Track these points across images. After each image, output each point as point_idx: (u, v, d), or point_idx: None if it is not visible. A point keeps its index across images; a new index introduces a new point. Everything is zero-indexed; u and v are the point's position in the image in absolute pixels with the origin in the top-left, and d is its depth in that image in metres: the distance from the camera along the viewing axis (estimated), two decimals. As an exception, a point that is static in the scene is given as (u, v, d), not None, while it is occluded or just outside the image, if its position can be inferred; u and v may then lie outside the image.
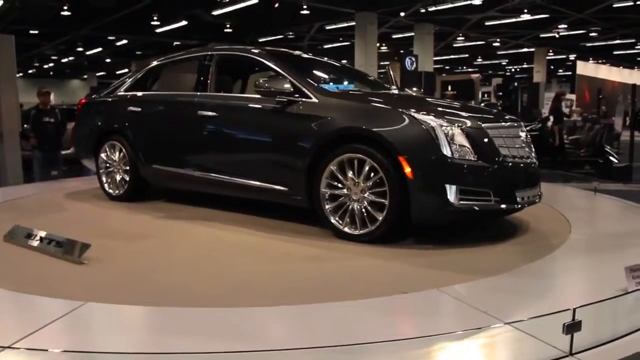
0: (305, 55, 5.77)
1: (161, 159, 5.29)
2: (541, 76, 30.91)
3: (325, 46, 31.35)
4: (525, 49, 31.79)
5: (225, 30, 25.75)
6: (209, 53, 5.08)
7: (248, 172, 4.63)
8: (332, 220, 4.08)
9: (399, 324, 2.76)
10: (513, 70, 42.62)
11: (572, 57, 33.26)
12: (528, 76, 36.01)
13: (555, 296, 3.06)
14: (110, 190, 5.63)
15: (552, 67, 38.51)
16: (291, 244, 4.02)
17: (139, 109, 5.55)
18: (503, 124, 4.14)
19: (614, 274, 2.94)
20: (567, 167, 8.69)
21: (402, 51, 24.57)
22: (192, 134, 5.00)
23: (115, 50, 31.45)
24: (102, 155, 5.66)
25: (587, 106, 22.17)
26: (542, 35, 27.27)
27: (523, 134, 4.22)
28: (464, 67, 41.11)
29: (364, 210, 3.93)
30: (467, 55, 35.47)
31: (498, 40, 29.21)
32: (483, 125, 3.89)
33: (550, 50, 31.97)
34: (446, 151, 3.67)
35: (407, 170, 3.69)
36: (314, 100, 4.21)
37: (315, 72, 5.32)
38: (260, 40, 29.37)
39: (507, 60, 38.82)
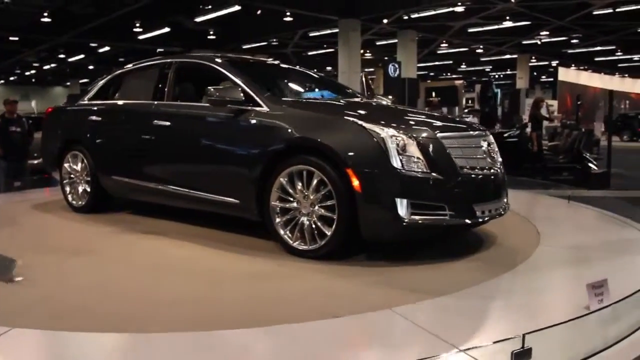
0: (272, 64, 5.66)
1: (119, 170, 5.16)
2: (524, 82, 31.14)
3: (310, 53, 31.37)
4: (509, 56, 32.04)
5: (209, 37, 25.66)
6: (169, 61, 4.96)
7: (200, 184, 4.47)
8: (282, 235, 3.86)
9: (335, 351, 2.44)
10: (497, 76, 42.92)
11: (554, 63, 33.58)
12: (510, 82, 36.29)
13: (511, 318, 2.81)
14: (73, 202, 5.49)
15: (535, 73, 38.84)
16: (238, 261, 3.79)
17: (99, 118, 5.44)
18: (463, 133, 3.93)
19: (578, 292, 2.79)
20: (545, 174, 8.66)
21: (386, 58, 24.63)
22: (148, 144, 4.85)
23: (98, 57, 31.18)
24: (65, 165, 5.52)
25: (569, 112, 22.36)
26: (524, 42, 27.51)
27: (485, 144, 3.97)
28: (449, 74, 41.34)
29: (313, 225, 3.72)
30: (451, 62, 35.69)
31: (481, 47, 29.43)
32: (438, 135, 3.67)
33: (533, 57, 32.25)
34: (396, 163, 3.45)
35: (355, 183, 3.48)
36: (265, 109, 4.03)
37: (280, 80, 5.16)
38: (244, 47, 29.30)
39: (490, 67, 39.11)
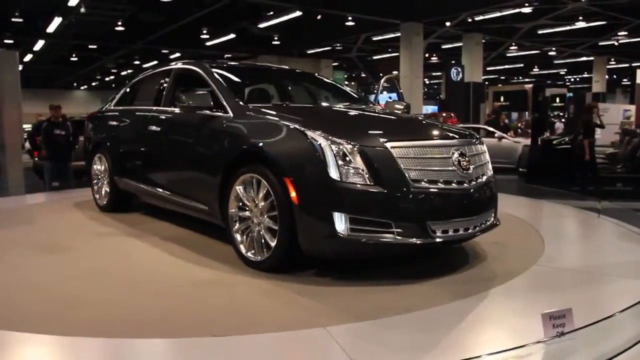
0: (266, 69, 5.42)
1: (128, 172, 5.34)
2: (601, 86, 29.51)
3: (375, 57, 31.19)
4: (585, 58, 30.47)
5: (273, 42, 26.11)
6: (168, 68, 5.12)
7: (178, 188, 4.53)
8: (237, 243, 3.75)
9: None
10: (572, 80, 40.92)
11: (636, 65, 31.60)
12: (588, 86, 34.45)
13: (447, 348, 2.52)
14: (98, 201, 5.77)
15: (614, 76, 36.73)
16: (194, 267, 3.71)
17: (113, 123, 5.72)
18: (421, 142, 3.46)
19: (537, 324, 2.47)
20: (598, 185, 8.07)
21: (453, 62, 24.08)
22: (146, 148, 5.05)
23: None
24: (94, 167, 5.83)
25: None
26: (600, 43, 26.05)
27: (456, 154, 3.48)
28: (520, 77, 39.85)
29: (262, 235, 3.58)
30: (522, 65, 34.39)
31: (554, 49, 28.14)
32: (388, 145, 3.29)
33: (612, 59, 30.48)
34: (334, 173, 3.17)
35: (293, 194, 3.28)
36: (230, 115, 3.96)
37: (268, 86, 5.06)
38: (308, 52, 29.61)
39: (565, 70, 37.35)
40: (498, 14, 19.87)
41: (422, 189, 3.28)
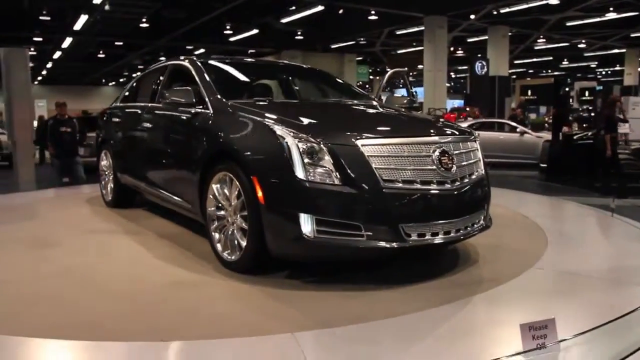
0: (264, 65, 5.27)
1: (127, 168, 5.36)
2: (633, 79, 28.64)
3: (399, 51, 30.89)
4: (616, 50, 29.61)
5: (297, 37, 26.05)
6: (164, 64, 5.07)
7: (167, 185, 4.50)
8: (214, 243, 3.64)
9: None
10: (603, 72, 39.85)
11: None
12: (620, 79, 33.49)
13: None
14: (105, 197, 5.80)
15: (649, 68, 35.61)
16: (169, 268, 3.60)
17: (117, 120, 5.75)
18: (396, 140, 3.24)
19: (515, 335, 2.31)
20: (621, 181, 7.76)
21: (479, 55, 23.65)
22: (140, 144, 5.05)
23: (195, 59, 32.74)
24: (101, 162, 5.87)
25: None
26: (632, 35, 25.27)
27: (437, 153, 3.26)
28: (549, 71, 38.98)
29: (235, 235, 3.46)
30: (550, 58, 33.62)
31: (583, 41, 27.41)
32: (359, 142, 3.10)
33: (645, 51, 29.56)
34: (300, 173, 3.02)
35: (259, 193, 3.15)
36: (209, 111, 3.86)
37: (264, 81, 4.92)
38: (332, 46, 29.48)
39: (596, 63, 36.38)
40: (525, 6, 19.41)
41: (395, 190, 3.08)
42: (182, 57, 4.65)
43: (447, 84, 50.82)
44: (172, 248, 4.08)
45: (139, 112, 5.07)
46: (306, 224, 3.00)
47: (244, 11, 20.55)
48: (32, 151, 8.28)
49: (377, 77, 41.12)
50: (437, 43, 20.84)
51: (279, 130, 3.18)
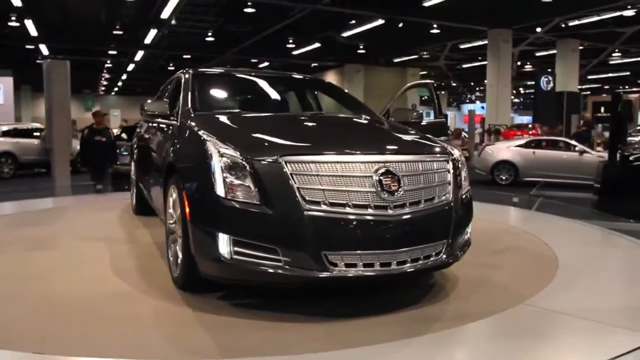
0: (263, 77, 4.89)
1: (139, 178, 5.42)
2: None
3: (464, 65, 30.28)
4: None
5: (359, 51, 26.09)
6: (174, 76, 4.97)
7: (151, 196, 4.55)
8: (167, 256, 3.45)
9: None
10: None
11: None
12: None
13: None
14: (133, 204, 5.90)
15: None
16: (110, 283, 3.41)
17: (138, 131, 5.88)
18: (335, 157, 2.87)
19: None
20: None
21: (549, 70, 22.79)
22: (143, 155, 5.10)
23: (260, 72, 33.44)
24: (132, 171, 6.00)
25: None
26: None
27: (377, 174, 2.85)
28: (626, 87, 36.93)
29: (178, 250, 3.24)
30: (628, 73, 31.87)
31: (664, 55, 25.82)
32: (282, 159, 2.79)
33: None
34: (220, 189, 2.79)
35: (187, 209, 2.96)
36: (177, 123, 3.74)
37: (256, 94, 4.70)
38: (395, 60, 29.31)
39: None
40: (596, 18, 18.54)
41: (318, 212, 2.74)
42: (184, 70, 4.61)
43: (517, 100, 49.48)
44: (152, 259, 3.97)
45: (148, 123, 5.17)
46: (223, 245, 2.77)
47: (306, 25, 20.83)
48: (68, 158, 8.65)
49: (442, 92, 40.50)
50: (501, 57, 20.26)
51: (209, 144, 2.96)
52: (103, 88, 44.70)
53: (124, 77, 36.48)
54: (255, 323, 2.76)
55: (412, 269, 2.89)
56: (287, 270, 2.72)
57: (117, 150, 9.33)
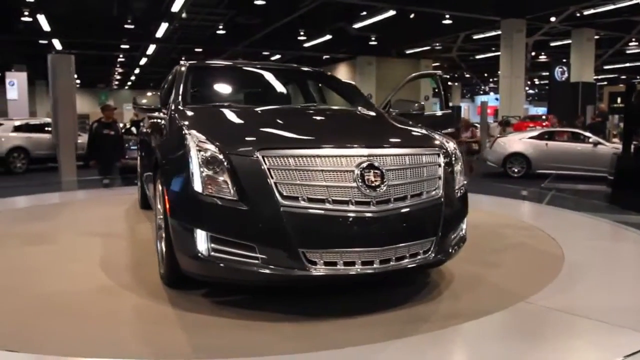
0: (263, 68, 4.76)
1: (142, 171, 5.34)
2: None
3: (477, 56, 29.94)
4: None
5: (370, 43, 25.90)
6: (174, 69, 4.95)
7: (149, 190, 4.45)
8: (157, 253, 3.38)
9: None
10: None
11: None
12: None
13: None
14: (139, 198, 5.87)
15: None
16: (97, 278, 3.39)
17: (142, 124, 5.85)
18: (314, 151, 2.77)
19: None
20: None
21: (564, 60, 22.42)
22: (145, 148, 5.01)
23: (272, 65, 33.40)
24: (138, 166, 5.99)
25: None
26: None
27: (362, 167, 2.73)
28: (644, 76, 36.31)
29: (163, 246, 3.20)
30: (645, 63, 31.30)
31: (683, 44, 25.31)
32: (258, 153, 2.71)
33: None
34: (197, 184, 2.72)
35: (167, 205, 2.92)
36: (166, 117, 3.65)
37: (255, 86, 4.68)
38: (407, 52, 29.06)
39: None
40: (612, 7, 18.18)
41: (296, 209, 2.65)
42: (182, 62, 4.48)
43: (531, 91, 48.86)
44: (146, 254, 3.89)
45: (151, 118, 5.14)
46: (201, 241, 2.71)
47: (317, 17, 20.71)
48: (73, 152, 8.67)
49: (456, 84, 40.15)
50: (515, 47, 19.97)
51: (188, 137, 2.88)
52: (116, 82, 44.92)
53: (137, 71, 36.60)
54: (235, 322, 2.70)
55: (397, 268, 2.78)
56: (264, 268, 2.65)
57: (126, 145, 9.35)
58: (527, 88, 35.39)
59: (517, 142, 12.86)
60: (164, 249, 3.14)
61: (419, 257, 2.87)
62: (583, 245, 4.30)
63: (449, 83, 40.22)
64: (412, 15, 19.59)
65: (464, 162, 9.70)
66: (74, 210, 6.12)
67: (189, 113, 3.47)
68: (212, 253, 2.69)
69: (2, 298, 3.07)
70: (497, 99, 32.03)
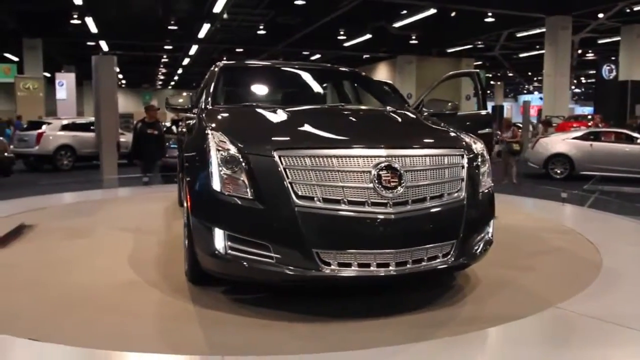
0: (290, 67, 4.78)
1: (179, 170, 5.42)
2: None
3: (521, 55, 29.25)
4: None
5: (411, 41, 25.65)
6: (211, 69, 5.00)
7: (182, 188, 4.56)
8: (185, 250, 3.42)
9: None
10: None
11: None
12: None
13: None
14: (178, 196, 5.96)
15: None
16: (125, 274, 3.49)
17: (181, 124, 5.97)
18: (330, 151, 2.76)
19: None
20: None
21: (613, 58, 21.69)
22: (180, 147, 5.09)
23: (312, 65, 33.49)
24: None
25: None
26: None
27: (378, 168, 2.71)
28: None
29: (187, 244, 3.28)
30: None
31: None
32: (275, 153, 2.72)
33: None
34: (216, 183, 2.76)
35: (189, 203, 2.99)
36: (196, 117, 3.68)
37: (271, 87, 4.67)
38: (448, 50, 28.65)
39: None
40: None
41: (311, 209, 2.64)
42: (218, 63, 4.55)
43: (577, 90, 47.39)
44: (174, 251, 3.95)
45: (185, 118, 5.22)
46: (219, 239, 2.75)
47: (357, 16, 20.62)
48: (115, 151, 8.94)
49: (498, 83, 39.34)
50: (560, 45, 19.40)
51: (209, 137, 2.93)
52: (160, 82, 45.94)
53: (180, 71, 37.34)
54: (253, 321, 2.73)
55: (415, 271, 2.74)
56: (278, 268, 2.65)
57: (167, 143, 9.57)
58: (572, 87, 34.34)
59: (560, 142, 12.52)
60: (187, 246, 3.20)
61: (438, 260, 2.82)
62: (624, 252, 4.14)
63: (491, 82, 39.47)
64: (453, 14, 19.28)
65: (503, 162, 9.60)
66: (114, 207, 6.30)
67: (215, 113, 3.52)
68: (229, 251, 2.73)
69: (31, 289, 3.22)
70: (541, 99, 31.30)
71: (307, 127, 3.19)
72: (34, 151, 14.26)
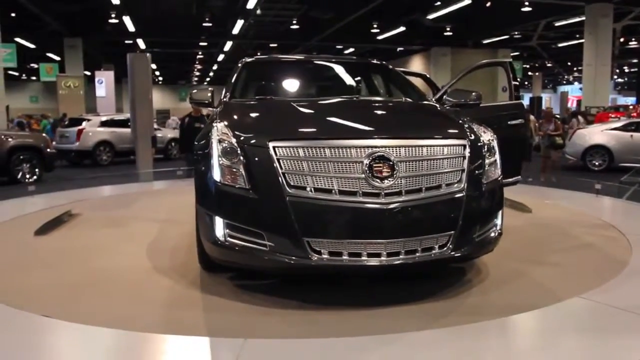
0: (310, 61, 4.86)
1: None
2: None
3: (560, 45, 28.51)
4: None
5: (445, 33, 25.33)
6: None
7: None
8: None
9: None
10: None
11: None
12: None
13: None
14: None
15: None
16: (152, 260, 3.74)
17: None
18: (324, 142, 2.79)
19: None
20: None
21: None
22: None
23: (346, 58, 33.37)
24: None
25: None
26: None
27: (371, 158, 2.73)
28: None
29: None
30: None
31: None
32: (270, 143, 2.78)
33: None
34: (216, 173, 2.88)
35: (195, 193, 3.14)
36: (215, 110, 3.76)
37: (289, 80, 4.60)
38: (484, 41, 28.15)
39: None
40: None
41: (302, 198, 2.70)
42: (244, 58, 4.64)
43: (620, 80, 45.83)
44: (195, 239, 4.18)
45: None
46: (218, 227, 2.86)
47: (390, 9, 20.51)
48: (150, 146, 9.21)
49: (537, 74, 38.38)
50: (600, 34, 18.86)
51: (213, 129, 3.06)
52: (196, 78, 46.63)
53: (215, 67, 37.80)
54: (254, 308, 2.84)
55: (407, 262, 2.73)
56: (270, 255, 2.74)
57: None
58: (614, 77, 33.30)
59: (599, 133, 12.18)
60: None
61: (434, 251, 2.80)
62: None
63: (529, 73, 38.56)
64: (488, 4, 18.96)
65: (543, 157, 9.24)
66: (148, 199, 6.59)
67: (228, 107, 3.66)
68: (228, 239, 2.85)
69: (55, 270, 3.54)
70: (580, 89, 30.45)
71: (307, 119, 3.30)
72: (74, 147, 14.70)
